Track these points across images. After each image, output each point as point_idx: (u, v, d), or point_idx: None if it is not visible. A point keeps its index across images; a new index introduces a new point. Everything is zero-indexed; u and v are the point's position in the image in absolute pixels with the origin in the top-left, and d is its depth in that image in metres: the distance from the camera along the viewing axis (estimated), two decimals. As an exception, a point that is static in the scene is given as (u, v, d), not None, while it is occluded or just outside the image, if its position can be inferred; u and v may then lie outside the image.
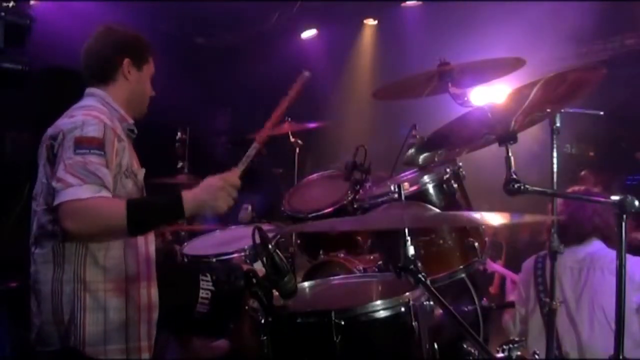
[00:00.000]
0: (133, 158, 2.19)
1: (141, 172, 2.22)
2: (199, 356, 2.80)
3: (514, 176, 1.78)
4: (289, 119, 4.12)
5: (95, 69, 2.21)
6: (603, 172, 5.08)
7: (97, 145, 1.95)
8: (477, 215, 1.73)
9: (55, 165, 1.94)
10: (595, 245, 2.68)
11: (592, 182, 4.90)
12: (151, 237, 2.20)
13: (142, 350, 2.08)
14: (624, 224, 1.62)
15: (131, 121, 2.24)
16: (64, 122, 2.03)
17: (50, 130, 2.05)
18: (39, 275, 2.04)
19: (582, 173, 5.01)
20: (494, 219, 1.70)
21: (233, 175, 2.09)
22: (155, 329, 2.15)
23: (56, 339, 2.01)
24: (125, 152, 2.10)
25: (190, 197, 1.99)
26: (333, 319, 1.61)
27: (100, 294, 2.02)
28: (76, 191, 1.86)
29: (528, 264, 2.87)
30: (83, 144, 1.93)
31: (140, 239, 2.13)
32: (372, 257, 2.88)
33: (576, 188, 2.87)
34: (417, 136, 2.79)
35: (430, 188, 2.65)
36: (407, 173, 2.98)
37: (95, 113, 2.05)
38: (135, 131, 2.26)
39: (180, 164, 4.15)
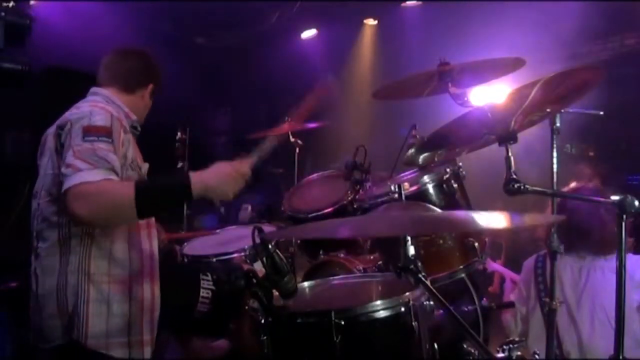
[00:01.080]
0: (137, 153, 2.21)
1: (145, 167, 2.24)
2: (199, 356, 2.80)
3: (514, 176, 1.78)
4: (289, 119, 4.13)
5: (124, 72, 2.29)
6: (600, 165, 5.08)
7: (105, 133, 1.97)
8: (478, 217, 1.72)
9: (63, 153, 1.95)
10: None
11: (589, 176, 4.89)
12: (154, 233, 2.20)
13: (144, 344, 2.08)
14: (624, 224, 1.62)
15: (134, 118, 2.27)
16: (71, 113, 2.06)
17: (57, 122, 2.07)
18: (43, 268, 2.04)
19: (579, 166, 5.00)
20: (495, 219, 1.69)
21: (244, 165, 2.12)
22: (157, 326, 2.15)
23: (59, 332, 2.01)
24: (130, 145, 2.13)
25: (198, 180, 1.99)
26: (333, 319, 1.61)
27: (104, 286, 2.02)
28: (86, 175, 1.86)
29: (528, 263, 2.87)
30: (91, 132, 1.95)
31: (143, 234, 2.14)
32: (372, 257, 2.88)
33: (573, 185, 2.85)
34: (417, 136, 2.79)
35: (430, 188, 2.65)
36: (407, 173, 2.98)
37: (101, 104, 2.10)
38: (139, 128, 2.30)
39: (180, 164, 4.16)
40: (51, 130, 2.09)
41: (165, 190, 2.02)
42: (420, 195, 2.62)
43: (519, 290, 2.91)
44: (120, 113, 2.17)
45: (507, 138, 1.82)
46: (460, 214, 1.79)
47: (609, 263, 2.55)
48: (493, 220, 1.66)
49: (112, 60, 2.32)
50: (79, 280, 2.00)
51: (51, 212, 2.04)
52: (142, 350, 2.07)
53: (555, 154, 2.28)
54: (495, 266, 4.82)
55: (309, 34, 6.79)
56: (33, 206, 2.12)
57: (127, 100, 2.26)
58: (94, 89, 2.25)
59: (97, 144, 1.93)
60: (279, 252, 1.67)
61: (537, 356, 1.88)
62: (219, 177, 2.05)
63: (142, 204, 1.89)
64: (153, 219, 2.21)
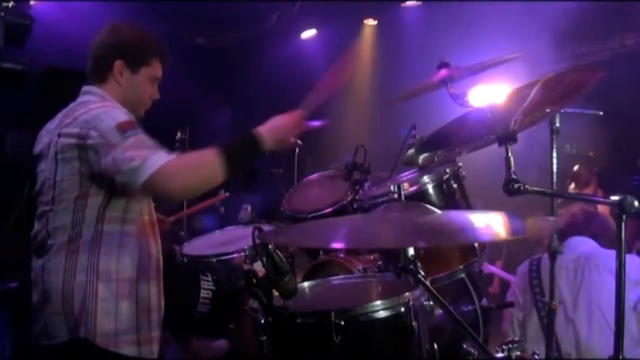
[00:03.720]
0: None
1: None
2: (199, 356, 2.80)
3: (514, 176, 1.78)
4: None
5: (91, 66, 2.21)
6: (597, 166, 5.09)
7: (135, 125, 1.99)
8: (478, 223, 1.71)
9: (105, 156, 1.92)
10: (589, 244, 2.69)
11: (588, 177, 4.90)
12: (157, 233, 2.19)
13: (152, 341, 2.07)
14: (623, 224, 1.61)
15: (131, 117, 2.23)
16: (85, 119, 1.99)
17: (62, 129, 2.03)
18: (49, 267, 2.03)
19: (575, 169, 5.00)
20: (495, 226, 1.68)
21: (298, 115, 2.19)
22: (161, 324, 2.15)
23: (65, 330, 2.00)
24: None
25: (265, 133, 2.09)
26: (333, 319, 1.61)
27: (112, 284, 2.01)
28: (157, 158, 1.88)
29: (522, 268, 2.87)
30: (126, 128, 1.95)
31: (149, 233, 2.13)
32: (372, 257, 2.88)
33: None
34: (417, 136, 2.79)
35: (430, 188, 2.65)
36: (407, 173, 2.98)
37: (108, 103, 2.08)
38: None
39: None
40: (51, 137, 2.06)
41: (244, 148, 2.10)
42: (420, 196, 2.62)
43: (515, 296, 2.90)
44: None
45: (507, 138, 1.82)
46: (460, 220, 1.77)
47: (605, 262, 2.55)
48: (494, 226, 1.65)
49: (89, 54, 2.23)
50: (88, 279, 1.99)
51: (65, 215, 2.02)
52: (151, 347, 2.07)
53: (555, 154, 2.29)
54: (492, 269, 4.81)
55: (309, 34, 6.79)
56: (40, 209, 2.11)
57: (111, 93, 2.17)
58: (86, 88, 2.19)
59: (139, 136, 1.95)
60: (279, 252, 1.67)
61: (536, 356, 1.88)
62: (281, 127, 2.13)
63: (227, 164, 1.97)
64: (155, 220, 2.21)
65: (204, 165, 1.99)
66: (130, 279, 2.05)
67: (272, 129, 2.11)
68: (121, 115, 2.00)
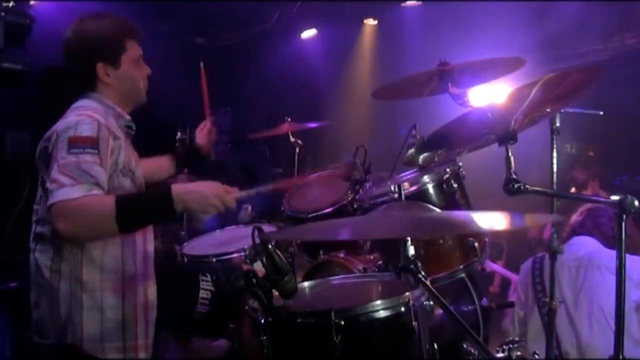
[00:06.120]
0: (131, 155, 2.18)
1: (138, 170, 2.22)
2: (199, 356, 2.80)
3: (514, 176, 1.78)
4: (289, 119, 4.13)
5: (79, 78, 2.21)
6: (594, 166, 5.08)
7: (90, 144, 1.94)
8: (478, 218, 1.72)
9: (50, 165, 1.95)
10: (594, 244, 2.69)
11: (584, 179, 4.91)
12: (150, 235, 2.20)
13: (139, 348, 2.09)
14: (624, 224, 1.61)
15: (128, 117, 2.23)
16: (58, 124, 2.03)
17: (46, 133, 2.05)
18: (38, 271, 2.05)
19: (573, 172, 5.00)
20: (495, 220, 1.69)
21: (231, 197, 2.08)
22: (154, 328, 2.15)
23: (53, 333, 2.03)
24: (122, 150, 2.09)
25: (180, 198, 1.97)
26: (333, 319, 1.61)
27: (97, 293, 2.03)
28: (68, 191, 1.85)
29: (526, 265, 2.87)
30: (77, 144, 1.93)
31: (139, 238, 2.14)
32: (372, 257, 2.88)
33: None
34: (417, 136, 2.79)
35: (430, 188, 2.65)
36: (407, 173, 2.98)
37: (89, 112, 2.05)
38: (134, 127, 2.26)
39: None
40: (42, 138, 2.07)
41: (146, 205, 2.00)
42: (420, 195, 2.62)
43: (517, 293, 2.91)
44: (109, 116, 2.13)
45: (507, 138, 1.82)
46: (460, 214, 1.78)
47: (608, 263, 2.55)
48: (494, 220, 1.66)
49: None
50: (72, 289, 2.01)
51: (45, 220, 2.04)
52: (137, 354, 2.08)
53: (555, 154, 2.29)
54: (495, 267, 4.82)
55: (309, 34, 6.79)
56: (34, 210, 2.13)
57: (106, 94, 2.18)
58: (88, 93, 2.20)
59: (82, 157, 1.91)
60: (279, 252, 1.67)
61: (536, 356, 1.88)
62: (201, 201, 2.01)
63: (122, 218, 1.88)
64: None
65: (99, 217, 1.90)
66: (115, 286, 2.06)
67: (190, 201, 2.00)
68: (88, 129, 1.96)
